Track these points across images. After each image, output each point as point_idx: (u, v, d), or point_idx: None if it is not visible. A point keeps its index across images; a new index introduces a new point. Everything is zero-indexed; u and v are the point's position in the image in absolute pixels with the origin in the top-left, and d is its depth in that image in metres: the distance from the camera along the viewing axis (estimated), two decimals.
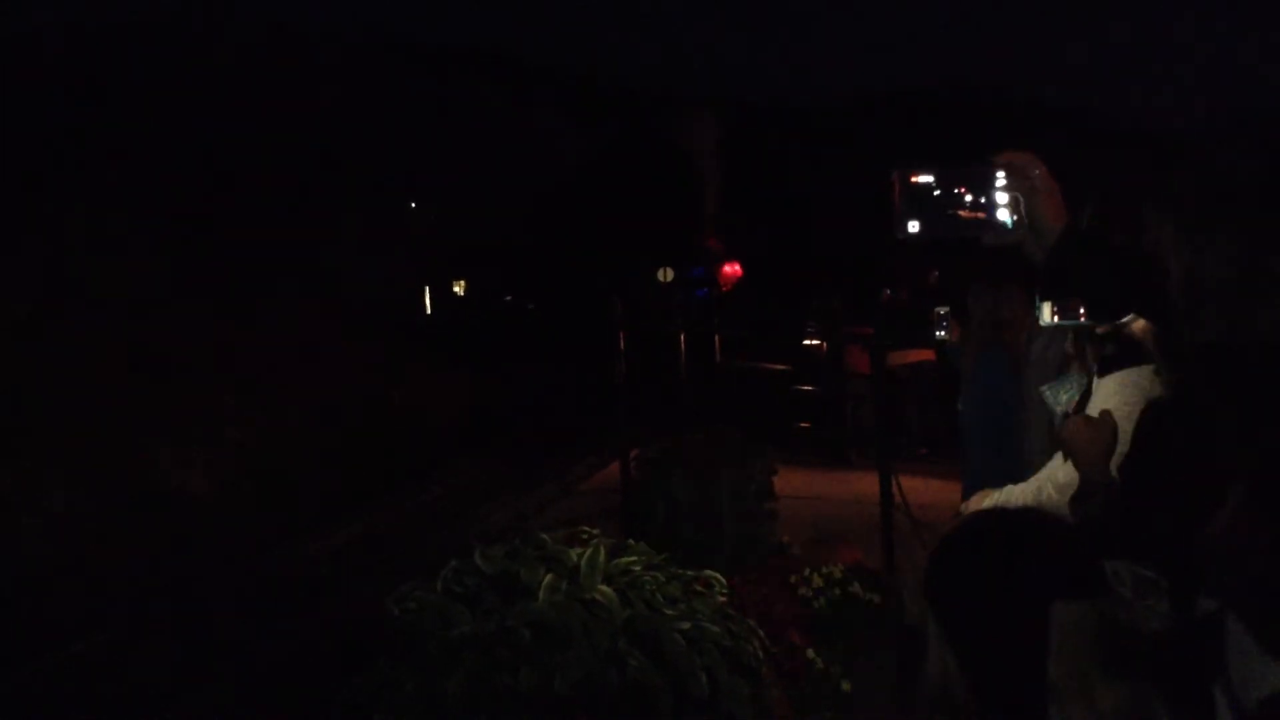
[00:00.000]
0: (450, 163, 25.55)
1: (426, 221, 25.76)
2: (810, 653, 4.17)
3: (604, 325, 7.04)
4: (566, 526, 3.77)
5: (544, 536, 3.38)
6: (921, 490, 6.45)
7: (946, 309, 5.67)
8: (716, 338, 9.57)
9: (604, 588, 3.07)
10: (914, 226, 1.50)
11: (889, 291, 11.93)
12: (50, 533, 6.73)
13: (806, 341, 9.76)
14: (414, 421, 11.98)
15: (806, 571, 4.90)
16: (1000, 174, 1.50)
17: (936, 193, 1.49)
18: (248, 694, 3.91)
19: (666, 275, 20.48)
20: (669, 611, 3.09)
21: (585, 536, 3.43)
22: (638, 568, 3.25)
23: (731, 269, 23.58)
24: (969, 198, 1.49)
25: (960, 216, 1.51)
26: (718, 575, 3.56)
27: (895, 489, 5.58)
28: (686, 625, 3.06)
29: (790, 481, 6.47)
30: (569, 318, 17.25)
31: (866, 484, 6.51)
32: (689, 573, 3.47)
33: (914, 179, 1.50)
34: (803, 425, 8.90)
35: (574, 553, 3.23)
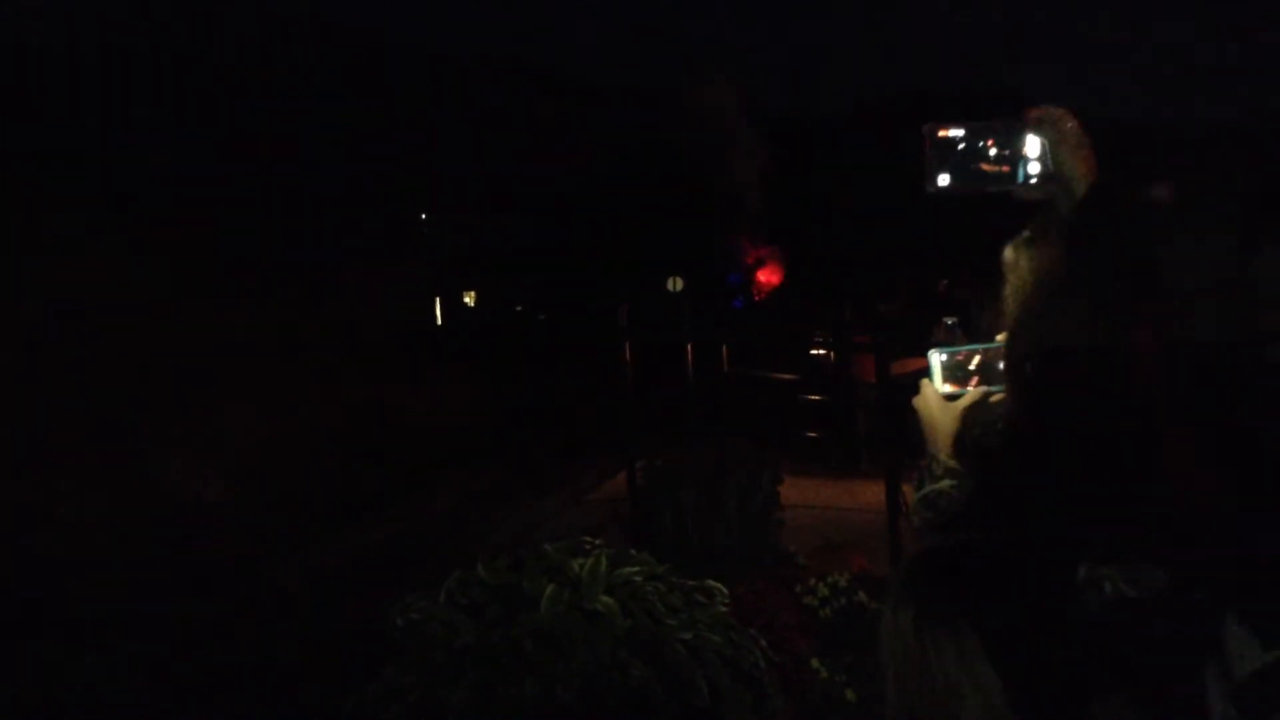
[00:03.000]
0: (460, 172, 25.64)
1: (437, 232, 25.87)
2: (815, 662, 4.18)
3: (613, 335, 7.09)
4: (574, 536, 3.81)
5: (547, 547, 3.42)
6: None
7: (954, 320, 5.66)
8: (724, 347, 9.58)
9: (606, 598, 3.09)
10: (944, 180, 1.50)
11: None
12: (56, 541, 6.79)
13: (813, 351, 9.78)
14: (424, 431, 12.03)
15: (812, 580, 4.91)
16: (1031, 127, 1.49)
17: (966, 146, 1.49)
18: (255, 702, 3.95)
19: (676, 285, 20.45)
20: (670, 621, 3.11)
21: (588, 546, 3.46)
22: (639, 578, 3.27)
23: (767, 276, 23.31)
24: (999, 151, 1.48)
25: (989, 170, 1.50)
26: (720, 585, 3.59)
27: (903, 499, 5.59)
28: (688, 635, 3.09)
29: (797, 491, 6.50)
30: (579, 328, 17.30)
31: (873, 493, 6.53)
32: (691, 582, 3.49)
33: (943, 133, 1.49)
34: (810, 435, 8.91)
35: (576, 563, 3.26)
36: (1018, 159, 1.48)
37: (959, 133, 1.49)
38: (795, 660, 4.22)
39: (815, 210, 25.80)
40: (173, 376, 10.21)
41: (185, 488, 8.26)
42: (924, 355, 1.99)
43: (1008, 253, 1.64)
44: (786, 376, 9.33)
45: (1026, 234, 1.64)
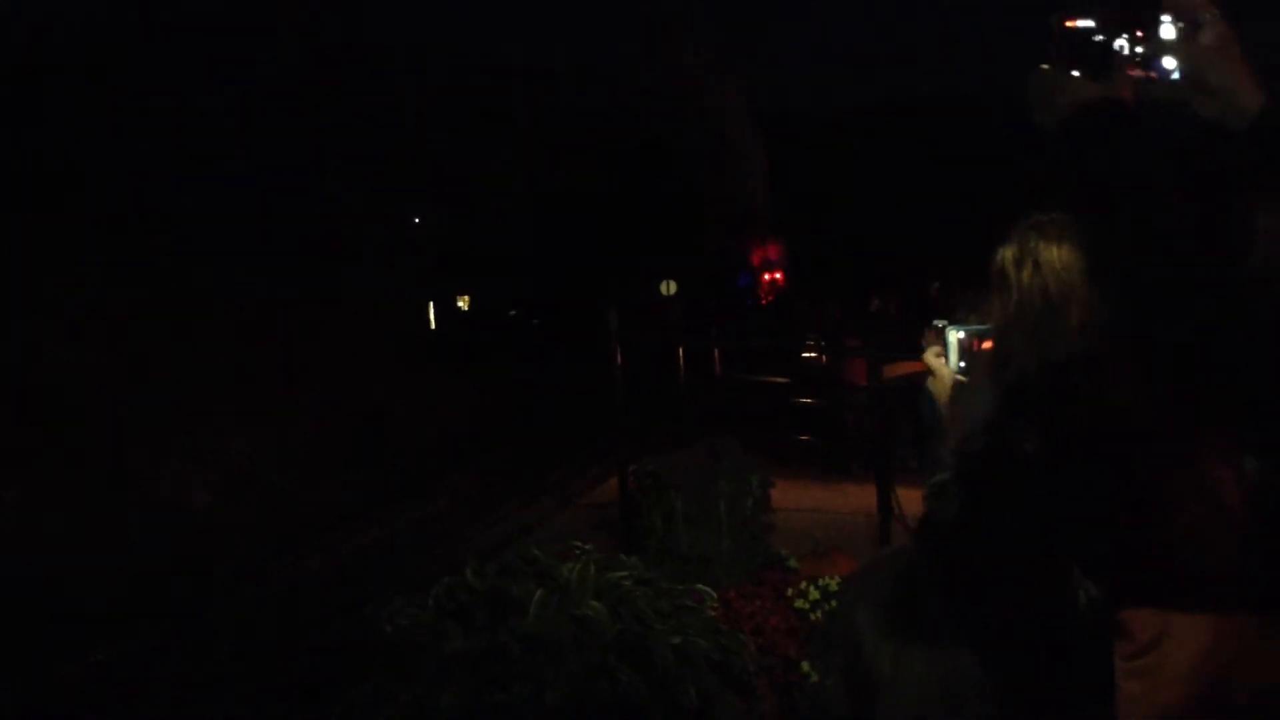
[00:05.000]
0: (453, 175, 25.60)
1: (430, 235, 25.83)
2: (805, 665, 4.18)
3: (606, 339, 7.08)
4: (564, 541, 3.80)
5: (535, 552, 3.42)
6: (918, 501, 6.44)
7: (944, 323, 5.64)
8: (716, 350, 9.58)
9: (594, 603, 3.10)
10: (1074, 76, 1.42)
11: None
12: (49, 547, 6.78)
13: (805, 354, 9.78)
14: (417, 436, 12.02)
15: (803, 583, 4.90)
16: (1167, 18, 1.38)
17: (1097, 38, 1.39)
18: (245, 708, 3.94)
19: (670, 288, 20.39)
20: (658, 626, 3.12)
21: (577, 551, 3.46)
22: (628, 582, 3.28)
23: (772, 276, 23.10)
24: (1134, 44, 1.38)
25: (1123, 64, 1.39)
26: (709, 589, 3.59)
27: (894, 500, 5.59)
28: (676, 639, 3.09)
29: (788, 494, 6.48)
30: (573, 331, 17.30)
31: (865, 496, 6.53)
32: (679, 587, 3.50)
33: (1072, 23, 1.40)
34: (802, 438, 8.90)
35: (565, 568, 3.26)
36: (1153, 54, 1.37)
37: (1089, 24, 1.39)
38: (785, 663, 4.22)
39: (814, 209, 25.77)
40: (159, 382, 10.19)
41: (171, 493, 8.26)
42: (915, 359, 1.93)
43: (1006, 251, 1.60)
44: (778, 380, 9.32)
45: (1043, 218, 1.59)
